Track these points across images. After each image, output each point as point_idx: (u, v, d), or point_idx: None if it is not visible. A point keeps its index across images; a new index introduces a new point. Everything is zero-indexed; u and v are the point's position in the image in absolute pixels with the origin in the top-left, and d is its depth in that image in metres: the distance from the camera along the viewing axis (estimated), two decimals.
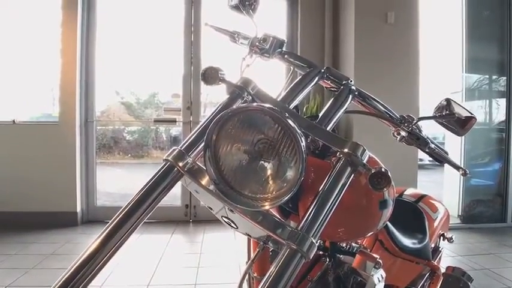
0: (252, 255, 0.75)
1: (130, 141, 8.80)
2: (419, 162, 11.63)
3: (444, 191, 4.44)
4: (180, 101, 4.05)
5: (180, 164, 0.62)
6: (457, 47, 4.14)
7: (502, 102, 4.21)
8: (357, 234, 0.91)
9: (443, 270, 1.70)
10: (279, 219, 0.62)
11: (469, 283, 1.66)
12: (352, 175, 0.65)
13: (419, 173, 3.88)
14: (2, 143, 3.77)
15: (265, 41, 0.95)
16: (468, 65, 4.11)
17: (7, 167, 3.75)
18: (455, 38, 4.17)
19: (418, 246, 1.46)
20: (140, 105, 5.92)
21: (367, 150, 0.66)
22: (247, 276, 0.82)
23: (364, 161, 0.65)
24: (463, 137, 4.01)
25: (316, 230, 0.59)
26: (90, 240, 2.64)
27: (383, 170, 0.63)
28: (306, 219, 0.60)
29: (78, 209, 3.86)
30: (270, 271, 0.57)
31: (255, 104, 0.63)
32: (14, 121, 3.87)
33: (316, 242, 0.59)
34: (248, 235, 0.73)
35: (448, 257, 3.04)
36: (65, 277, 0.58)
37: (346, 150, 0.65)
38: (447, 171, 4.46)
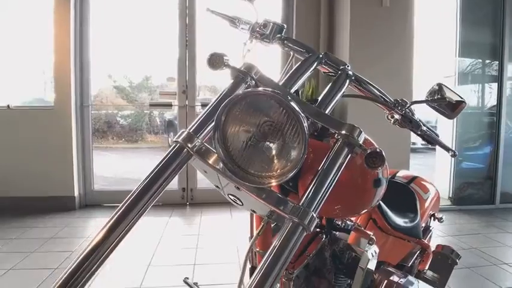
0: (255, 232, 0.80)
1: (124, 125, 8.78)
2: (412, 146, 11.76)
3: (436, 173, 4.53)
4: (176, 85, 4.06)
5: (189, 145, 0.66)
6: (451, 31, 4.17)
7: (495, 86, 4.26)
8: (352, 211, 0.96)
9: (433, 248, 1.78)
10: (282, 195, 0.67)
11: (457, 260, 1.73)
12: (349, 155, 0.70)
13: (411, 156, 3.95)
14: None
15: (265, 27, 0.98)
16: (461, 49, 4.15)
17: (3, 152, 3.76)
18: (449, 22, 4.20)
19: (410, 225, 1.53)
20: (133, 89, 5.90)
21: (363, 132, 0.71)
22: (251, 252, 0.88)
23: (361, 142, 0.70)
24: (455, 121, 4.11)
25: (316, 205, 0.64)
26: (89, 224, 2.75)
27: (378, 150, 0.68)
28: (307, 196, 0.64)
29: (76, 194, 3.90)
30: (273, 244, 0.62)
31: (260, 88, 0.67)
32: (8, 106, 3.86)
33: (316, 217, 0.64)
34: (253, 211, 0.78)
35: (438, 237, 3.14)
36: (80, 258, 0.61)
37: (343, 132, 0.70)
38: (439, 154, 4.54)
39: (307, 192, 0.65)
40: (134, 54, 4.61)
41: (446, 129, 4.25)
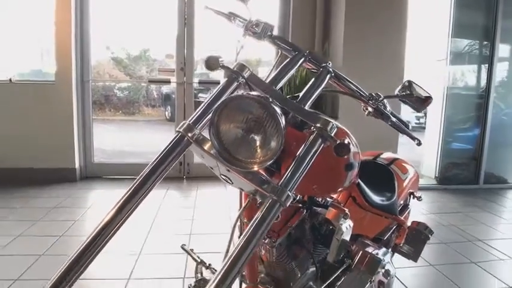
0: (243, 205, 0.95)
1: (121, 98, 8.83)
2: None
3: (424, 153, 4.69)
4: (174, 62, 4.14)
5: (189, 134, 0.80)
6: (445, 13, 4.22)
7: (486, 68, 4.34)
8: (327, 190, 1.11)
9: (409, 224, 1.95)
10: (265, 176, 0.81)
11: (430, 235, 1.90)
12: (322, 145, 0.83)
13: (404, 136, 4.09)
14: (1, 102, 3.86)
15: (257, 26, 1.10)
16: (454, 31, 4.21)
17: (6, 125, 3.87)
18: (443, 4, 4.24)
19: (386, 202, 1.68)
20: (131, 61, 5.97)
21: (335, 125, 0.84)
22: (239, 222, 1.03)
23: (332, 134, 0.83)
24: (444, 102, 4.22)
25: (292, 185, 0.78)
26: (89, 195, 2.95)
27: (345, 142, 0.82)
28: (285, 178, 0.79)
29: (77, 166, 4.05)
30: (255, 216, 0.77)
31: (245, 93, 0.80)
32: (10, 80, 3.94)
33: (292, 194, 0.78)
34: (241, 189, 0.92)
35: (420, 215, 3.33)
36: (90, 237, 0.75)
37: (318, 125, 0.83)
38: (427, 135, 4.69)
39: (285, 174, 0.79)
40: (133, 28, 4.68)
41: (435, 110, 4.39)
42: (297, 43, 1.13)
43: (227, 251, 0.95)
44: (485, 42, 4.33)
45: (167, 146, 0.81)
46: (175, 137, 0.81)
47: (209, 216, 3.09)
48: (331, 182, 1.03)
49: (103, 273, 2.08)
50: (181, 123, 0.82)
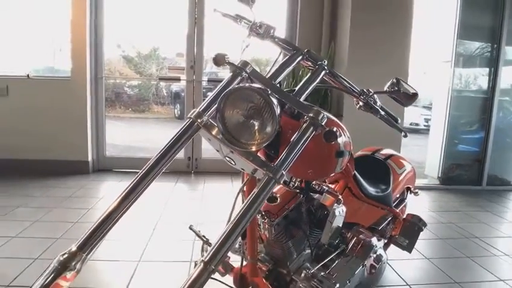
0: (245, 181, 1.09)
1: (132, 95, 9.00)
2: (415, 127, 11.76)
3: (428, 154, 4.78)
4: (184, 60, 4.29)
5: (199, 120, 0.93)
6: (451, 14, 4.27)
7: (490, 70, 4.39)
8: (321, 175, 1.23)
9: (404, 217, 2.06)
10: (263, 158, 0.93)
11: (423, 227, 2.00)
12: (314, 132, 0.96)
13: (413, 137, 4.18)
14: (18, 96, 4.05)
15: (260, 27, 1.22)
16: (460, 33, 4.26)
17: (24, 118, 4.06)
18: (450, 5, 4.29)
19: (381, 194, 1.80)
20: (141, 59, 6.13)
21: (325, 115, 0.96)
22: (240, 196, 1.15)
23: (323, 123, 0.95)
24: (448, 104, 4.30)
25: (285, 165, 0.90)
26: (101, 186, 3.15)
27: (334, 129, 0.94)
28: (280, 159, 0.90)
29: (90, 159, 4.21)
30: (253, 191, 0.89)
31: (247, 85, 0.93)
32: (28, 75, 4.12)
33: (286, 174, 0.90)
34: (242, 169, 1.05)
35: (421, 212, 3.40)
36: (106, 212, 0.88)
37: (310, 114, 0.95)
38: (431, 136, 4.77)
39: (280, 157, 0.92)
40: (144, 27, 4.84)
41: (440, 111, 4.47)
42: (304, 43, 1.27)
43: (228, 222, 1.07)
44: (491, 44, 4.37)
45: (179, 130, 0.94)
46: (186, 123, 0.94)
47: (216, 207, 3.22)
48: (324, 167, 1.15)
49: (115, 255, 2.23)
50: (192, 111, 0.94)
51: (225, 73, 6.11)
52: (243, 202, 1.19)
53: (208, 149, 4.27)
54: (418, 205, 3.54)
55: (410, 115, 10.72)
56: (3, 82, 4.03)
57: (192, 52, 4.21)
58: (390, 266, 2.27)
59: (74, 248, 0.82)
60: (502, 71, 4.30)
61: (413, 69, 3.94)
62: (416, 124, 11.09)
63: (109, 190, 3.65)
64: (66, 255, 0.81)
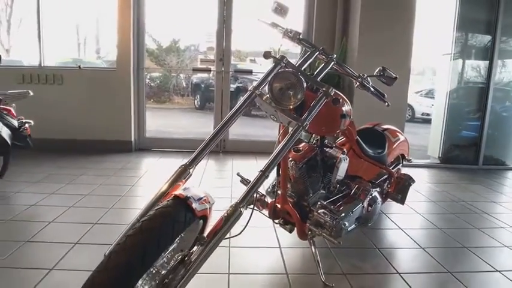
0: (281, 132, 1.70)
1: (153, 87, 9.66)
2: (426, 117, 12.07)
3: (430, 137, 5.31)
4: (214, 53, 4.90)
5: (256, 91, 1.53)
6: (451, 8, 4.75)
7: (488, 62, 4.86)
8: (330, 131, 1.83)
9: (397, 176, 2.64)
10: (296, 115, 1.53)
11: (412, 183, 2.58)
12: (325, 99, 1.55)
13: (423, 126, 4.67)
14: (71, 84, 4.72)
15: (291, 32, 1.82)
16: (459, 26, 4.74)
17: (76, 104, 4.74)
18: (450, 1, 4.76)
19: (377, 155, 2.38)
20: (161, 52, 6.80)
21: (333, 90, 1.55)
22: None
23: (332, 94, 1.55)
24: (448, 92, 4.79)
25: (308, 119, 1.49)
26: (144, 162, 4.12)
27: (338, 98, 1.54)
28: (305, 115, 1.50)
29: (132, 139, 4.88)
30: (287, 136, 1.48)
31: (287, 69, 1.52)
32: (79, 67, 4.79)
33: (308, 124, 1.50)
34: (281, 122, 1.65)
35: (422, 183, 3.96)
36: (203, 144, 1.48)
37: (324, 89, 1.54)
38: (433, 122, 5.29)
39: (305, 114, 1.51)
40: (179, 25, 5.50)
41: (440, 100, 5.00)
42: (320, 39, 1.80)
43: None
44: (488, 37, 4.83)
45: (243, 99, 1.55)
46: (248, 93, 1.54)
47: (241, 187, 3.82)
48: (332, 125, 1.75)
49: None
50: (251, 86, 1.55)
51: (244, 65, 6.74)
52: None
53: (233, 133, 4.86)
54: (420, 179, 4.11)
55: (422, 108, 11.27)
56: (59, 73, 4.71)
57: (221, 46, 4.81)
58: (391, 219, 2.85)
59: (186, 163, 1.42)
60: (497, 61, 4.78)
61: (417, 62, 4.44)
62: (428, 114, 11.54)
63: (151, 164, 4.29)
64: (182, 167, 1.41)
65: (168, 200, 1.17)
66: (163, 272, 1.30)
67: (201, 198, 1.23)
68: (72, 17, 5.26)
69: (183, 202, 1.16)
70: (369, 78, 1.83)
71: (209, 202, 1.28)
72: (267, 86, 1.51)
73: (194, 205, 1.17)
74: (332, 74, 4.06)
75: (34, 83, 4.63)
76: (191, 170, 1.42)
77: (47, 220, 2.53)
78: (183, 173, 1.41)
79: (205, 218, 1.30)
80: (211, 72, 4.94)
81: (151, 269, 1.29)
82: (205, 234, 1.29)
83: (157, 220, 1.06)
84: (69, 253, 2.09)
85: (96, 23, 5.76)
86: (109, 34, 4.89)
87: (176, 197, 1.17)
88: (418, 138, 7.31)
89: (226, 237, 1.30)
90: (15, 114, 3.20)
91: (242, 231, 1.40)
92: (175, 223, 1.08)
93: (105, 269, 0.95)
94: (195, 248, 1.31)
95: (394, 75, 1.82)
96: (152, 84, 9.50)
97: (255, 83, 1.57)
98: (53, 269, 1.91)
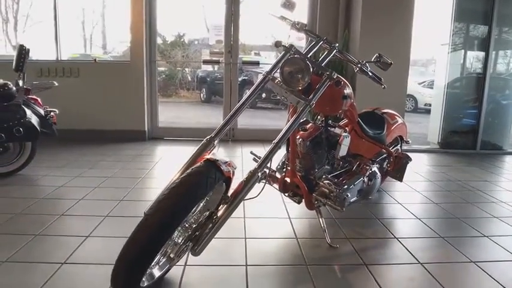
0: (290, 111, 1.94)
1: (159, 81, 9.93)
2: (428, 107, 12.28)
3: (430, 124, 5.54)
4: (223, 46, 5.14)
5: (269, 76, 1.77)
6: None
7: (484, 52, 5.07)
8: (333, 110, 2.07)
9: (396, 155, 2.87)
10: (304, 95, 1.78)
11: (409, 161, 2.82)
12: (329, 82, 1.79)
13: (426, 116, 4.86)
14: (87, 77, 4.97)
15: (298, 24, 2.06)
16: (456, 17, 4.93)
17: (92, 95, 4.99)
18: None
19: (377, 135, 2.62)
20: (166, 46, 6.99)
21: (336, 74, 1.80)
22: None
23: (334, 77, 1.79)
24: (446, 82, 5.00)
25: (314, 99, 1.74)
26: (157, 149, 4.52)
27: (340, 80, 1.78)
28: (312, 95, 1.75)
29: (146, 128, 5.14)
30: (295, 114, 1.73)
31: (296, 56, 1.77)
32: (95, 60, 5.05)
33: (314, 103, 1.74)
34: (291, 102, 1.89)
35: (422, 166, 4.20)
36: (226, 118, 1.73)
37: (327, 73, 1.79)
38: (433, 110, 5.50)
39: (311, 94, 1.76)
40: (187, 18, 5.74)
41: (439, 89, 5.21)
42: (324, 31, 2.04)
43: None
44: (484, 27, 5.02)
45: (257, 82, 1.79)
46: (261, 77, 1.79)
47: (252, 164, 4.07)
48: (335, 105, 2.00)
49: None
50: (264, 71, 1.79)
51: (250, 58, 6.97)
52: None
53: (241, 123, 5.09)
54: (420, 162, 4.36)
55: (424, 98, 11.49)
56: (75, 66, 4.97)
57: (229, 39, 5.04)
58: (393, 197, 3.10)
59: (212, 135, 1.67)
60: (493, 51, 4.99)
61: (421, 54, 4.65)
62: (430, 105, 11.75)
63: (165, 151, 4.55)
64: (207, 139, 1.66)
65: (200, 163, 1.43)
66: (194, 226, 1.57)
67: (227, 162, 1.49)
68: (80, 13, 5.51)
69: (213, 164, 1.41)
70: (367, 64, 2.07)
71: (232, 166, 1.53)
72: (278, 71, 1.75)
73: (222, 167, 1.43)
74: (336, 64, 4.34)
75: (52, 76, 4.88)
76: (215, 142, 1.67)
77: (76, 198, 2.80)
78: (208, 145, 1.67)
79: (228, 181, 1.55)
80: (220, 63, 5.17)
81: (184, 224, 1.56)
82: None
83: (194, 175, 1.32)
84: (101, 224, 2.36)
85: (102, 19, 6.04)
86: (115, 30, 5.15)
87: (207, 160, 1.43)
88: (420, 126, 7.54)
89: (246, 198, 1.56)
90: (41, 103, 3.46)
91: (259, 194, 1.66)
92: (208, 178, 1.34)
93: (157, 210, 1.21)
94: (219, 207, 1.57)
95: (390, 61, 2.05)
96: (158, 79, 9.78)
97: (267, 68, 1.82)
98: (89, 236, 2.17)
